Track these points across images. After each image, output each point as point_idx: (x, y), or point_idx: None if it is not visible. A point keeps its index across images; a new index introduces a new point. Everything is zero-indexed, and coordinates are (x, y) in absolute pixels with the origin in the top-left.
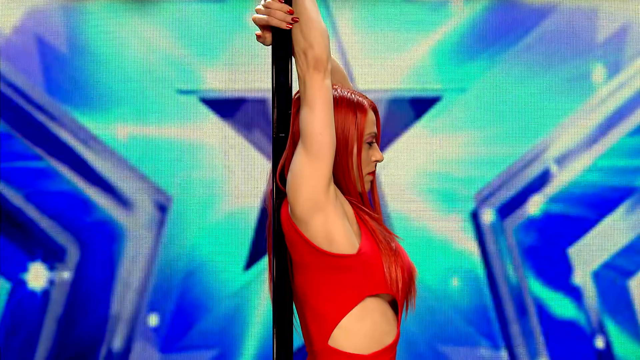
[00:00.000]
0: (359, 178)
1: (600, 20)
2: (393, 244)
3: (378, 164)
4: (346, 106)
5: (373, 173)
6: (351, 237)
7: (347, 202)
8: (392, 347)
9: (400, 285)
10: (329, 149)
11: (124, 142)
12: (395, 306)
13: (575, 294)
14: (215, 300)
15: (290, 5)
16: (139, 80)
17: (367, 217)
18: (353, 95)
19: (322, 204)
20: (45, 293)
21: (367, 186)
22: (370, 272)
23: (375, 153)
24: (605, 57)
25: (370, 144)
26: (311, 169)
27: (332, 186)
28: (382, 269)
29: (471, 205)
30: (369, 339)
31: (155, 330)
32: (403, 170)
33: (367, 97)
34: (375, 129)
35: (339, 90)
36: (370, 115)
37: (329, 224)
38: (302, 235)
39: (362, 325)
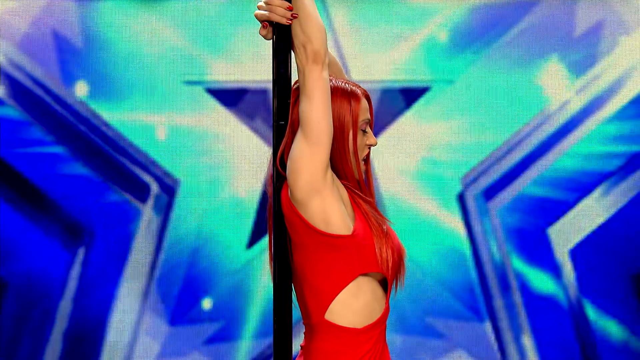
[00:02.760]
0: (355, 162)
1: (578, 16)
2: (384, 227)
3: (371, 149)
4: (341, 95)
5: (367, 157)
6: (346, 219)
7: (342, 186)
8: (381, 321)
9: (390, 265)
10: (326, 136)
11: (134, 129)
12: (384, 285)
13: (554, 270)
14: (220, 276)
15: (290, 2)
16: (149, 72)
17: (361, 201)
18: (347, 85)
19: (319, 188)
20: (62, 270)
21: (363, 170)
22: (363, 252)
23: (369, 138)
24: (579, 52)
25: (364, 130)
26: (310, 155)
27: (329, 171)
28: (373, 249)
29: (458, 188)
30: (361, 314)
31: (164, 304)
32: (394, 155)
33: (360, 87)
34: (368, 116)
35: (334, 81)
36: (364, 103)
37: (325, 207)
38: (301, 217)
39: (356, 302)
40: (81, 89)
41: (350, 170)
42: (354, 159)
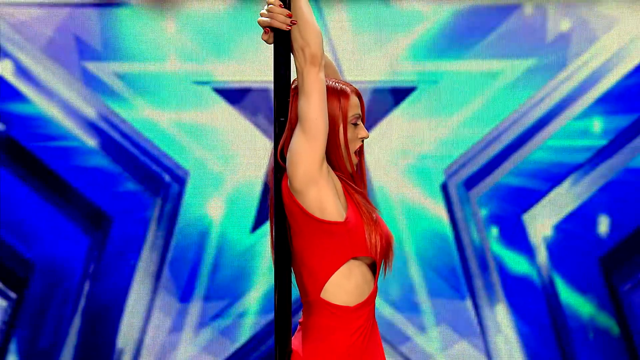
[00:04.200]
0: (346, 154)
1: (550, 23)
2: (374, 215)
3: (364, 143)
4: (331, 93)
5: (361, 149)
6: (339, 207)
7: (337, 178)
8: (370, 300)
9: (378, 250)
10: (322, 131)
11: (148, 125)
12: (373, 268)
13: (528, 253)
14: (226, 258)
15: (289, 9)
16: (162, 73)
17: (353, 192)
18: (337, 84)
19: (316, 179)
20: (83, 253)
21: (355, 161)
22: (354, 237)
23: (360, 131)
24: (552, 56)
25: (355, 124)
26: (308, 149)
27: (325, 164)
28: (364, 235)
29: (441, 179)
30: (353, 294)
31: (176, 283)
32: (384, 149)
33: (350, 85)
34: (358, 111)
35: (325, 81)
36: (353, 99)
37: (321, 196)
38: (299, 205)
39: (348, 283)
40: (100, 89)
41: (342, 162)
42: (346, 152)
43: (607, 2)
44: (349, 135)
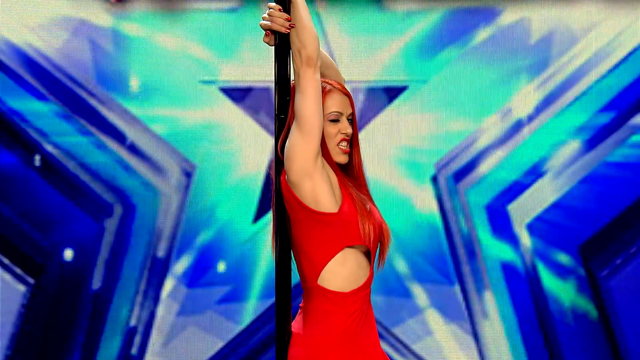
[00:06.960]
0: (326, 148)
1: (532, 27)
2: (368, 206)
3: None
4: None
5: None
6: (333, 199)
7: (332, 172)
8: (365, 286)
9: (372, 238)
10: (317, 128)
11: (158, 121)
12: (369, 255)
13: (513, 241)
14: (230, 246)
15: (289, 14)
16: (171, 73)
17: (348, 184)
18: (321, 83)
19: (310, 172)
20: (96, 241)
21: (339, 157)
22: (348, 227)
23: (340, 126)
24: (535, 56)
25: (335, 120)
26: (303, 144)
27: (320, 158)
28: (357, 225)
29: (432, 172)
30: (348, 280)
31: (183, 269)
32: (378, 144)
33: (336, 83)
34: (338, 109)
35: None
36: (334, 97)
37: (315, 188)
38: (295, 197)
39: (343, 270)
40: (114, 89)
41: (327, 155)
42: (324, 146)
43: (587, 6)
44: (327, 130)
